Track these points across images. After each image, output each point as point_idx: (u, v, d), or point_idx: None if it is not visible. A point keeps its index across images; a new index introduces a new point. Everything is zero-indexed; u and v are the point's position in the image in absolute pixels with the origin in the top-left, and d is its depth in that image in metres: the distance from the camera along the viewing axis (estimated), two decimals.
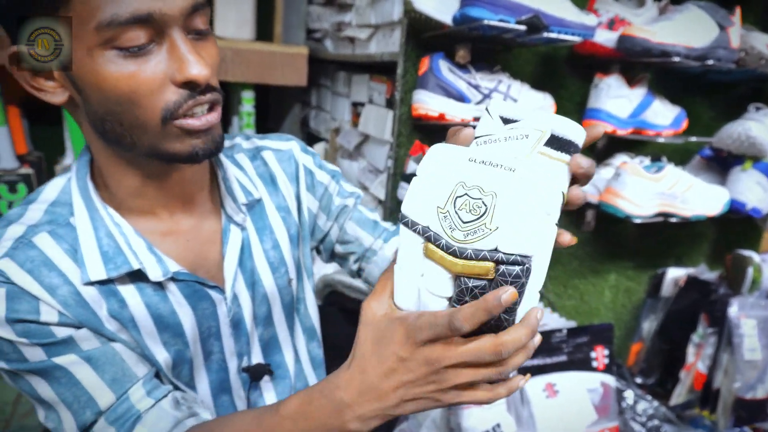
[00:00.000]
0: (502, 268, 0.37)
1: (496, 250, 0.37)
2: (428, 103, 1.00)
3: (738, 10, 1.09)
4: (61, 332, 0.51)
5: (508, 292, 0.36)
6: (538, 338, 0.42)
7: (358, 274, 0.78)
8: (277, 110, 1.93)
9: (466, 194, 0.38)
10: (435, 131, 1.09)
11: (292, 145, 0.73)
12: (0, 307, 0.49)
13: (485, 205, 0.38)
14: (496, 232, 0.37)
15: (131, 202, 0.58)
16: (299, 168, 0.72)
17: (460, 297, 0.40)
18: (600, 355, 1.09)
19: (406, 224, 0.42)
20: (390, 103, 1.22)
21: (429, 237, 0.40)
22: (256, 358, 0.67)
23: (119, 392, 0.52)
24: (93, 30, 0.45)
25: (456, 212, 0.39)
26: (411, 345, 0.41)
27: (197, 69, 0.48)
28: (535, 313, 0.40)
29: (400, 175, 1.11)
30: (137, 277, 0.56)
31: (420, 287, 0.42)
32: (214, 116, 0.52)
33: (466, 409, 1.00)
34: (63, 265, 0.53)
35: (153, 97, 0.48)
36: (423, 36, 1.04)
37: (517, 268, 0.37)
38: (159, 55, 0.48)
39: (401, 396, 0.43)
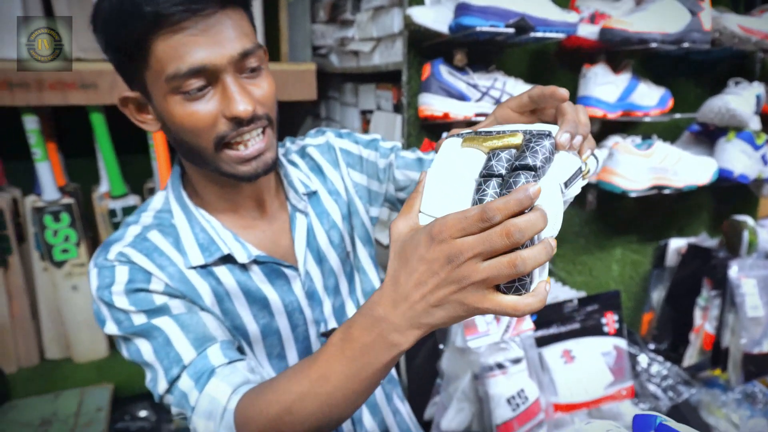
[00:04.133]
0: (528, 135, 0.45)
1: (524, 129, 0.46)
2: (433, 105, 1.11)
3: None
4: (160, 300, 0.64)
5: (535, 187, 0.40)
6: (554, 242, 0.42)
7: None
8: (290, 124, 2.04)
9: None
10: (441, 129, 1.20)
11: (327, 136, 0.86)
12: (122, 281, 0.63)
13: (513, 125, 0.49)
14: (524, 125, 0.48)
15: (217, 204, 0.72)
16: (338, 153, 0.85)
17: (487, 164, 0.45)
18: (610, 320, 1.19)
19: (450, 135, 0.50)
20: (397, 108, 1.33)
21: (470, 132, 0.50)
22: (332, 324, 0.79)
23: (199, 349, 0.62)
24: (163, 81, 0.59)
25: (490, 130, 0.50)
26: (435, 244, 0.42)
27: (242, 106, 0.60)
28: (540, 206, 0.41)
29: None
30: (227, 260, 0.70)
31: (450, 180, 0.47)
32: (263, 143, 0.64)
33: (492, 377, 1.09)
34: (170, 252, 0.67)
35: (208, 130, 0.61)
36: (423, 45, 1.15)
37: (544, 138, 0.44)
38: (215, 95, 0.61)
39: (428, 301, 0.44)
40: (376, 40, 1.39)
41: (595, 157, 0.53)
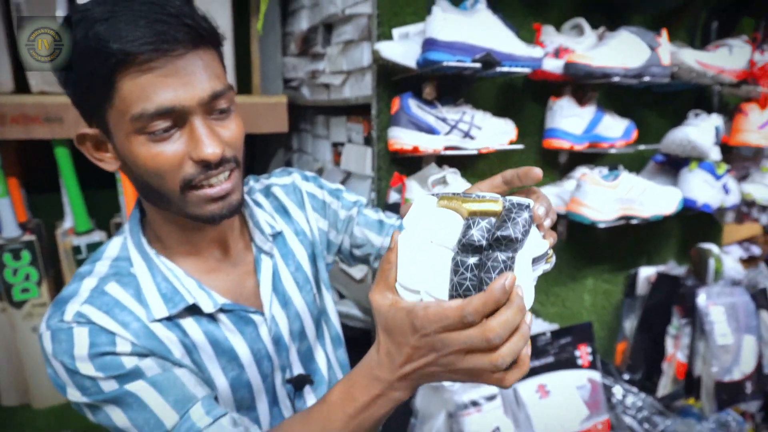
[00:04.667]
0: (509, 204, 0.44)
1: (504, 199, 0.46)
2: (402, 138, 1.11)
3: (664, 32, 1.23)
4: (130, 362, 0.59)
5: (509, 278, 0.42)
6: (529, 318, 0.45)
7: None
8: (262, 156, 2.03)
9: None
10: (411, 162, 1.20)
11: (294, 177, 0.84)
12: (84, 344, 0.58)
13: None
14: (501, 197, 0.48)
15: (179, 248, 0.68)
16: (303, 195, 0.83)
17: (466, 233, 0.44)
18: (584, 353, 1.18)
19: (424, 195, 0.50)
20: (368, 141, 1.33)
21: (446, 194, 0.48)
22: (297, 369, 0.76)
23: (181, 412, 0.58)
24: (128, 121, 0.56)
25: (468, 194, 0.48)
26: (420, 336, 0.46)
27: (210, 149, 0.58)
28: (518, 291, 0.43)
29: (383, 206, 1.21)
30: (193, 310, 0.66)
31: (426, 250, 0.46)
32: (229, 184, 0.62)
33: (467, 416, 1.07)
34: (131, 306, 0.63)
35: (174, 172, 0.58)
36: (392, 78, 1.16)
37: (524, 209, 0.44)
38: (182, 136, 0.58)
39: (421, 374, 0.48)
40: (347, 74, 1.40)
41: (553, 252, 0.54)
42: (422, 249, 0.47)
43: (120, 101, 0.55)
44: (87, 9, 0.55)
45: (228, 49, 1.67)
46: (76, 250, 1.61)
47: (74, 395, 0.59)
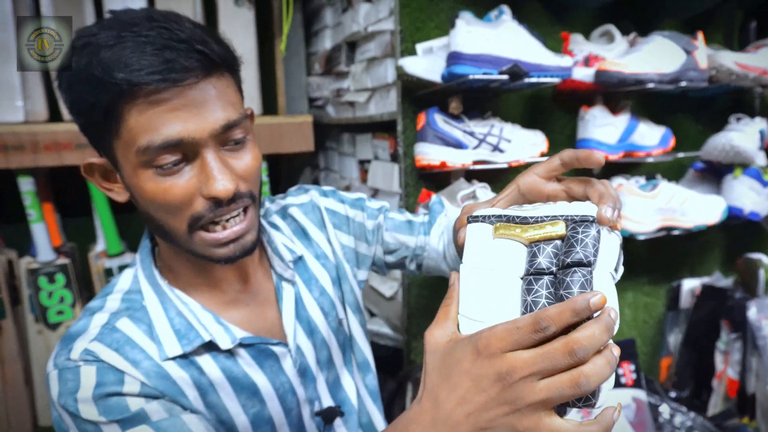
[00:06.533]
0: (573, 224, 0.40)
1: (563, 215, 0.42)
2: (429, 154, 1.09)
3: (700, 35, 1.18)
4: (136, 405, 0.54)
5: (597, 296, 0.36)
6: (617, 350, 0.38)
7: (419, 270, 0.84)
8: (289, 176, 2.04)
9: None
10: (439, 178, 1.18)
11: (311, 194, 0.80)
12: (90, 384, 0.54)
13: (544, 204, 0.45)
14: (559, 205, 0.44)
15: (194, 281, 0.65)
16: (323, 213, 0.79)
17: (533, 261, 0.40)
18: (627, 371, 1.12)
19: (475, 219, 0.45)
20: (394, 158, 1.31)
21: (500, 218, 0.44)
22: (326, 400, 0.72)
23: None
24: (134, 153, 0.53)
25: (520, 207, 0.46)
26: (483, 359, 0.38)
27: (221, 185, 0.54)
28: (609, 311, 0.37)
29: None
30: (210, 347, 0.62)
31: (490, 278, 0.42)
32: (243, 225, 0.58)
33: None
34: (143, 343, 0.59)
35: (183, 208, 0.55)
36: (417, 94, 1.14)
37: (589, 225, 0.40)
38: (192, 170, 0.55)
39: (475, 423, 0.39)
40: (371, 91, 1.39)
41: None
42: (486, 281, 0.42)
43: (126, 132, 0.52)
44: (93, 34, 0.52)
45: (253, 71, 1.68)
46: (108, 272, 1.64)
47: None
